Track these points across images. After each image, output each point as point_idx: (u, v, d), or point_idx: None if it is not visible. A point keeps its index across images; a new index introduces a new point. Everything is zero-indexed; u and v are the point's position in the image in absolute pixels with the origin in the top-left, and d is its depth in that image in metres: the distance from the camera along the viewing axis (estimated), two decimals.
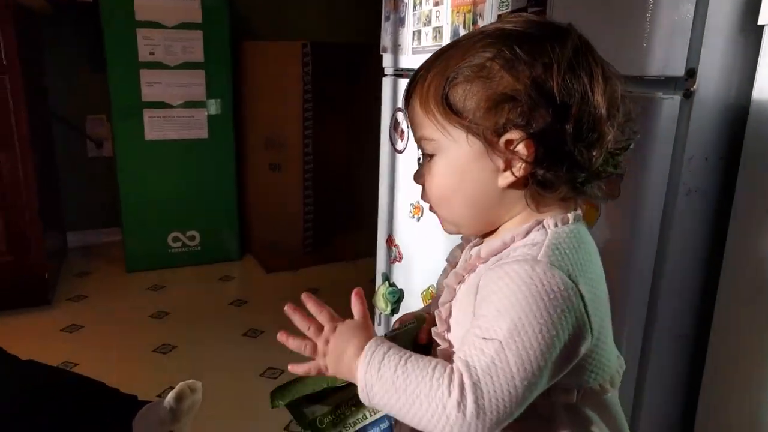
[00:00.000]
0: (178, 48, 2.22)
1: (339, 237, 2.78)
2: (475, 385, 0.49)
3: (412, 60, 1.31)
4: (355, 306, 0.60)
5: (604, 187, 0.57)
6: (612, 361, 0.59)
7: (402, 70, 1.38)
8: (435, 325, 0.61)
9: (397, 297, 1.47)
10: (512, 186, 0.55)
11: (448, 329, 0.59)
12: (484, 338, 0.50)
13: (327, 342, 0.58)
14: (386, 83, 1.45)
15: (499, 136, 0.53)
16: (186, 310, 2.03)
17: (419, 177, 0.60)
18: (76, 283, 2.25)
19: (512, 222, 0.57)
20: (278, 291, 2.20)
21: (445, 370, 0.50)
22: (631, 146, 0.57)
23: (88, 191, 2.64)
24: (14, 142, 1.81)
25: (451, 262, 0.67)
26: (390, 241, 1.50)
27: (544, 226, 0.55)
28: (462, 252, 0.65)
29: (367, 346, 0.54)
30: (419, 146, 0.59)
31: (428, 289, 1.31)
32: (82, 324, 1.91)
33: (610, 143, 0.53)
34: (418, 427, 0.52)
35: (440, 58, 0.56)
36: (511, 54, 0.52)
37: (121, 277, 2.33)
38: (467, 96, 0.53)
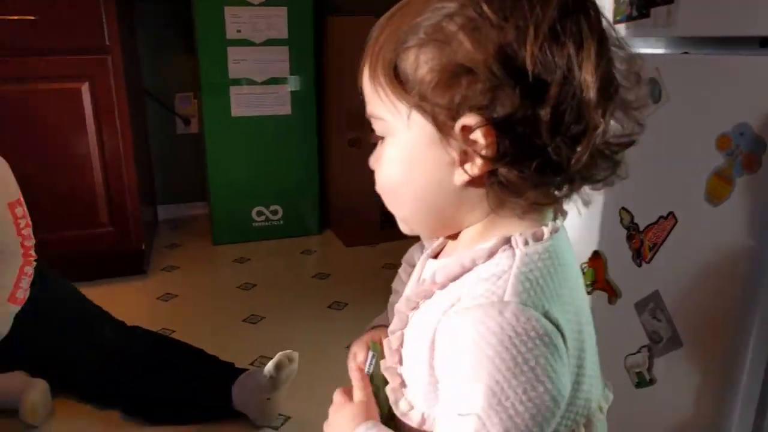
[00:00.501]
0: (264, 25, 2.25)
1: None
2: None
3: None
4: (356, 386, 0.55)
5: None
6: (591, 400, 0.48)
7: None
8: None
9: None
10: (471, 184, 0.43)
11: (400, 361, 0.51)
12: (459, 414, 0.41)
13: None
14: None
15: (454, 119, 0.41)
16: (271, 282, 2.09)
17: (373, 162, 0.50)
18: (167, 254, 2.36)
19: (474, 229, 0.47)
20: (358, 265, 2.23)
21: None
22: (634, 143, 0.44)
23: (175, 167, 2.75)
24: (115, 119, 1.89)
25: (409, 262, 0.59)
26: None
27: (511, 246, 0.44)
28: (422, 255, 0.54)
29: None
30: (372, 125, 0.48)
31: None
32: (176, 293, 2.00)
33: (599, 138, 0.41)
34: None
35: (397, 13, 0.44)
36: (475, 12, 0.40)
37: (208, 250, 2.42)
38: (419, 64, 0.41)
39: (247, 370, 1.34)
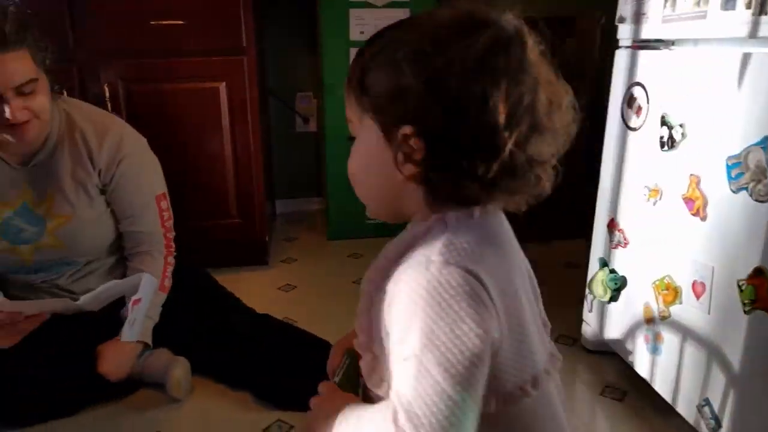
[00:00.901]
0: None
1: (527, 217, 2.70)
2: (409, 413, 0.47)
3: (660, 30, 1.20)
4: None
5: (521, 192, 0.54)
6: (536, 360, 0.56)
7: (644, 41, 1.27)
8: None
9: (618, 284, 1.39)
10: (412, 180, 0.53)
11: (371, 340, 0.57)
12: (403, 360, 0.49)
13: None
14: (621, 55, 1.35)
15: (397, 128, 0.52)
16: None
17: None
18: (286, 246, 2.46)
19: (419, 215, 0.56)
20: None
21: (388, 409, 0.49)
22: (554, 163, 0.53)
23: (294, 163, 2.86)
24: (247, 118, 2.00)
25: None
26: (612, 224, 1.41)
27: (445, 222, 0.53)
28: None
29: (336, 419, 0.56)
30: None
31: (663, 279, 1.21)
32: (295, 284, 2.09)
33: (513, 156, 0.49)
34: None
35: (375, 41, 0.55)
36: (420, 46, 0.50)
37: (323, 244, 2.50)
38: (377, 82, 0.53)
39: None
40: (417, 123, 0.51)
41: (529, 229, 2.65)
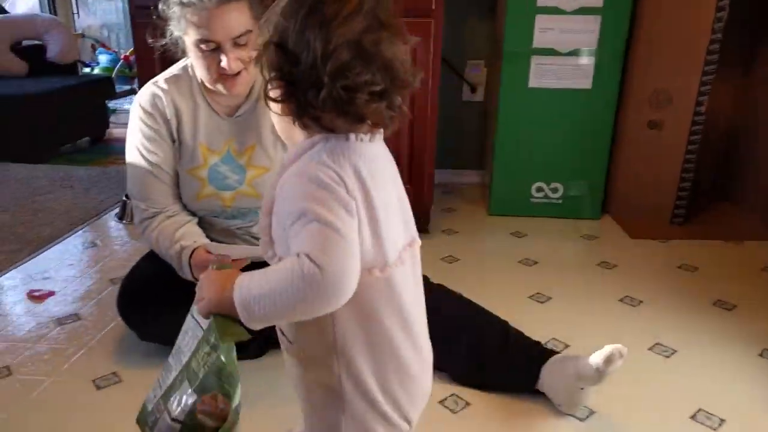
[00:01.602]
0: None
1: (713, 212, 2.44)
2: (309, 254, 0.61)
3: None
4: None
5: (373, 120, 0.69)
6: (388, 251, 0.71)
7: None
8: None
9: None
10: (287, 114, 0.71)
11: (271, 239, 0.72)
12: (292, 225, 0.65)
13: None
14: None
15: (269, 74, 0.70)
16: (553, 262, 2.02)
17: None
18: (445, 217, 2.43)
19: (305, 138, 0.72)
20: (648, 260, 2.03)
21: (291, 259, 0.63)
22: (376, 90, 0.66)
23: (456, 134, 2.80)
24: (428, 83, 1.96)
25: None
26: None
27: (326, 139, 0.69)
28: None
29: (238, 279, 0.67)
30: None
31: None
32: (458, 257, 2.05)
33: (333, 87, 0.64)
34: (299, 314, 0.65)
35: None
36: (277, 13, 0.68)
37: (484, 219, 2.43)
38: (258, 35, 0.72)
39: (555, 352, 1.29)
40: (277, 67, 0.68)
41: (713, 225, 2.39)
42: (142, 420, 0.86)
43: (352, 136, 0.69)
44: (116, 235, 2.23)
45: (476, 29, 2.64)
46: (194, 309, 0.80)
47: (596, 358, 1.12)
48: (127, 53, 5.23)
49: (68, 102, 3.70)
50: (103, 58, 5.42)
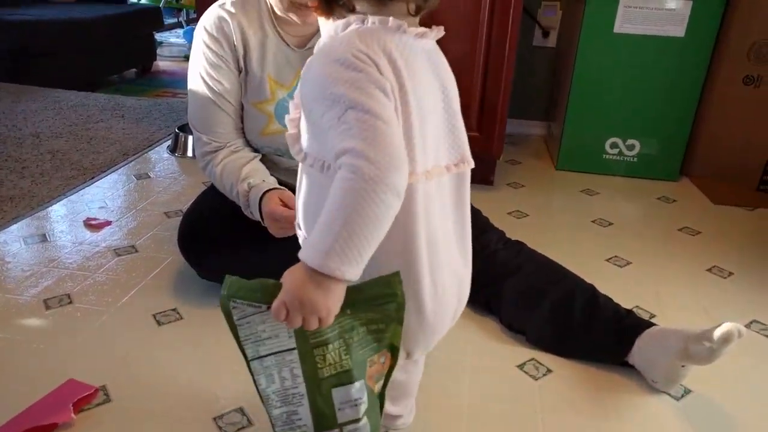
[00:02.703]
0: None
1: None
2: (353, 154, 0.56)
3: None
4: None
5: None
6: (417, 161, 0.65)
7: None
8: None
9: None
10: None
11: (299, 116, 0.69)
12: (323, 115, 0.60)
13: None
14: None
15: None
16: (630, 224, 1.88)
17: None
18: (509, 170, 2.29)
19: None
20: (733, 228, 1.87)
21: (339, 174, 0.57)
22: None
23: (524, 81, 2.62)
24: (508, 22, 1.79)
25: None
26: None
27: (362, 20, 0.64)
28: None
29: (300, 255, 0.58)
30: None
31: None
32: (526, 212, 1.93)
33: None
34: (383, 221, 0.56)
35: None
36: None
37: (551, 174, 2.29)
38: None
39: (651, 323, 1.18)
40: None
41: None
42: None
43: (391, 20, 0.63)
44: (168, 168, 2.16)
45: None
46: (248, 350, 0.69)
47: (715, 334, 0.99)
48: None
49: (117, 31, 3.61)
50: None
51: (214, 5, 1.25)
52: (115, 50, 3.67)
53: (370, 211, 0.55)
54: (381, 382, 0.72)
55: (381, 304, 0.66)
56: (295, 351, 0.67)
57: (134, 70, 3.99)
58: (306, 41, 1.26)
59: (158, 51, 4.25)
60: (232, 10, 1.22)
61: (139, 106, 2.86)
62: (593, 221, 1.88)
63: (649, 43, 2.07)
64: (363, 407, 0.70)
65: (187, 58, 4.42)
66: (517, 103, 2.65)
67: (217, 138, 1.27)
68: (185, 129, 2.33)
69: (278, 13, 1.18)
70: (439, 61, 0.71)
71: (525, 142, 2.59)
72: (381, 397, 0.74)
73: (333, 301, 0.59)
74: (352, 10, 0.65)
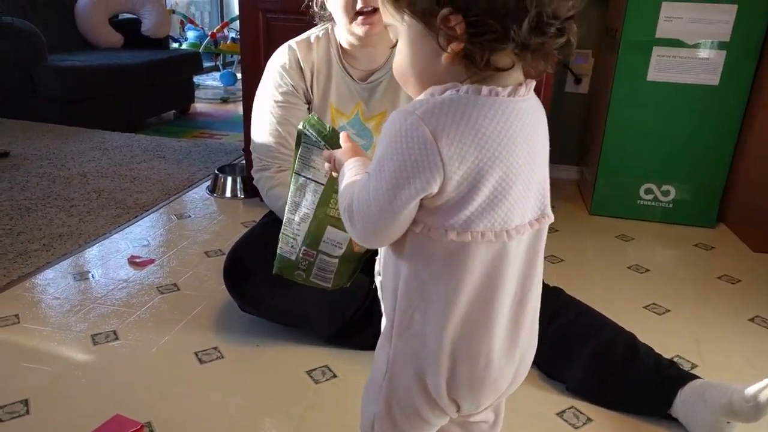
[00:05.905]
0: None
1: None
2: (351, 203, 0.64)
3: None
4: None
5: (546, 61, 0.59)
6: (507, 216, 0.62)
7: None
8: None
9: None
10: (451, 62, 0.58)
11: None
12: (367, 173, 0.63)
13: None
14: None
15: (433, 14, 0.57)
16: (667, 271, 1.86)
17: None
18: None
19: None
20: None
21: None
22: (574, 17, 0.57)
23: (556, 126, 2.65)
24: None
25: None
26: None
27: (456, 90, 0.58)
28: None
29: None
30: None
31: None
32: (561, 257, 1.92)
33: (540, 14, 0.54)
34: None
35: None
36: None
37: (586, 218, 2.29)
38: None
39: (695, 375, 1.16)
40: (451, 2, 0.56)
41: None
42: (287, 268, 1.01)
43: (485, 89, 0.58)
44: (208, 208, 2.22)
45: (584, 16, 2.47)
46: (297, 165, 0.91)
47: (755, 391, 0.97)
48: (214, 30, 5.31)
49: (159, 75, 3.77)
50: (191, 34, 5.52)
51: (287, 43, 1.36)
52: (158, 93, 3.82)
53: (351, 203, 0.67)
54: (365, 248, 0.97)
55: None
56: (323, 186, 0.92)
57: (173, 111, 4.14)
58: (368, 75, 1.35)
59: (195, 93, 4.41)
60: (305, 45, 1.33)
61: (179, 147, 2.96)
62: (629, 267, 1.87)
63: (683, 91, 2.08)
64: (340, 251, 0.97)
65: (223, 101, 4.62)
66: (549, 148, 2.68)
67: (278, 161, 1.35)
68: (224, 170, 2.40)
69: (344, 30, 1.24)
70: (538, 108, 0.66)
71: (557, 187, 2.60)
72: (359, 261, 1.02)
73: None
74: (485, 67, 0.58)
